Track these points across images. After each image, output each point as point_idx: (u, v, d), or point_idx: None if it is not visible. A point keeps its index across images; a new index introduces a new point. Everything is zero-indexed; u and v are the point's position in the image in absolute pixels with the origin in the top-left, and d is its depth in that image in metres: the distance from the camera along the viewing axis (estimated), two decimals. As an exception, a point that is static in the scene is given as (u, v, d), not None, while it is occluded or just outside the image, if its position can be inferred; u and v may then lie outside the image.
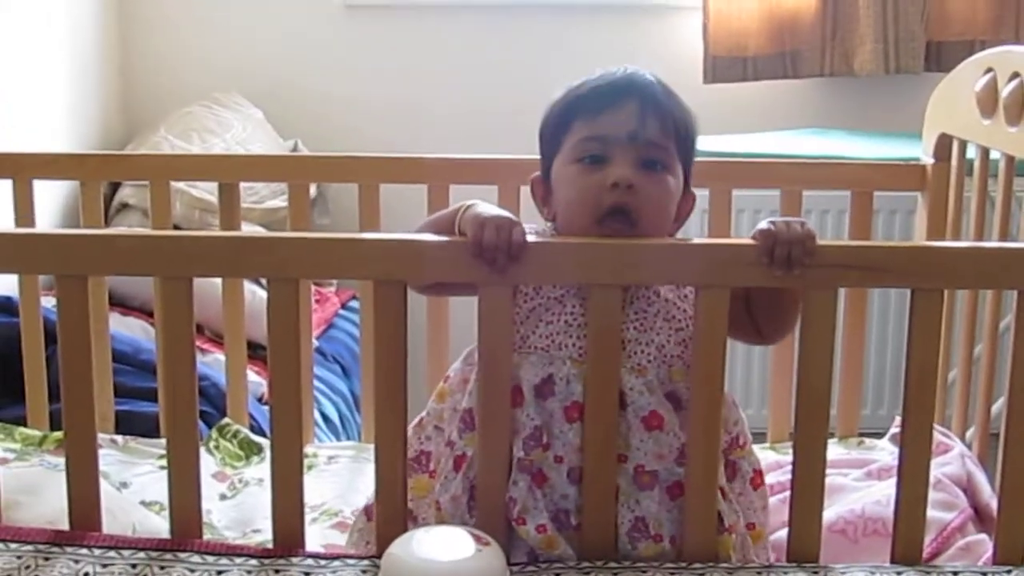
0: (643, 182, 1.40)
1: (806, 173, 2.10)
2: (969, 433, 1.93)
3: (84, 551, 1.36)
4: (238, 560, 1.36)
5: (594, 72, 1.48)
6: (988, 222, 1.94)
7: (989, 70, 1.84)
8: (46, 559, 1.34)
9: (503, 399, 1.38)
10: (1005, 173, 1.85)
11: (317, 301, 2.94)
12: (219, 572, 1.34)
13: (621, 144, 1.40)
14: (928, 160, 2.05)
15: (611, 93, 1.43)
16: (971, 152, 1.97)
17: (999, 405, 1.42)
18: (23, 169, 2.08)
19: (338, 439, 2.42)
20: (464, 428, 1.45)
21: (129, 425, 2.13)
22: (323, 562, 1.37)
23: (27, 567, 1.32)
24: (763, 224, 1.33)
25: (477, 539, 1.28)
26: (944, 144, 2.02)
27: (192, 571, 1.33)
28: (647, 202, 1.40)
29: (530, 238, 1.34)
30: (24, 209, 2.06)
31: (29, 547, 1.36)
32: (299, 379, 1.38)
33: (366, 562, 1.37)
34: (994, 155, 1.90)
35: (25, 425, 2.09)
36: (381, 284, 1.36)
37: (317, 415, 2.40)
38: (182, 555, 1.36)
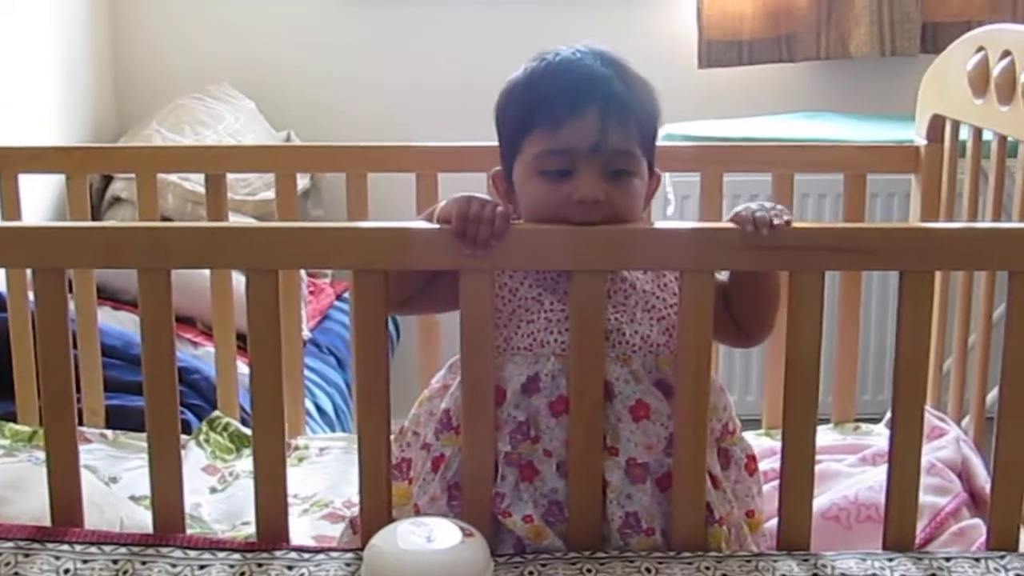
0: (610, 194, 1.37)
1: (798, 156, 2.08)
2: (965, 421, 1.91)
3: (65, 547, 1.34)
4: (220, 555, 1.35)
5: (552, 54, 1.43)
6: (982, 203, 1.92)
7: (980, 49, 1.82)
8: (26, 555, 1.32)
9: (487, 390, 1.36)
10: (997, 154, 1.83)
11: (312, 292, 2.92)
12: (201, 567, 1.32)
13: (584, 157, 1.36)
14: (921, 141, 2.03)
15: (571, 100, 1.37)
16: (964, 133, 1.95)
17: (995, 394, 1.40)
18: (9, 164, 2.05)
19: (333, 431, 2.41)
20: (441, 428, 1.43)
21: (121, 419, 2.11)
22: (307, 555, 1.36)
23: (7, 564, 1.30)
24: (736, 208, 1.33)
25: (461, 530, 1.27)
26: (937, 125, 2.00)
27: (174, 566, 1.32)
28: (615, 212, 1.37)
29: None
30: (10, 204, 2.03)
31: (9, 544, 1.34)
32: (279, 370, 1.36)
33: (350, 555, 1.35)
34: (987, 136, 1.88)
35: (15, 421, 2.08)
36: (361, 273, 1.34)
37: (311, 407, 2.38)
38: (164, 550, 1.34)
